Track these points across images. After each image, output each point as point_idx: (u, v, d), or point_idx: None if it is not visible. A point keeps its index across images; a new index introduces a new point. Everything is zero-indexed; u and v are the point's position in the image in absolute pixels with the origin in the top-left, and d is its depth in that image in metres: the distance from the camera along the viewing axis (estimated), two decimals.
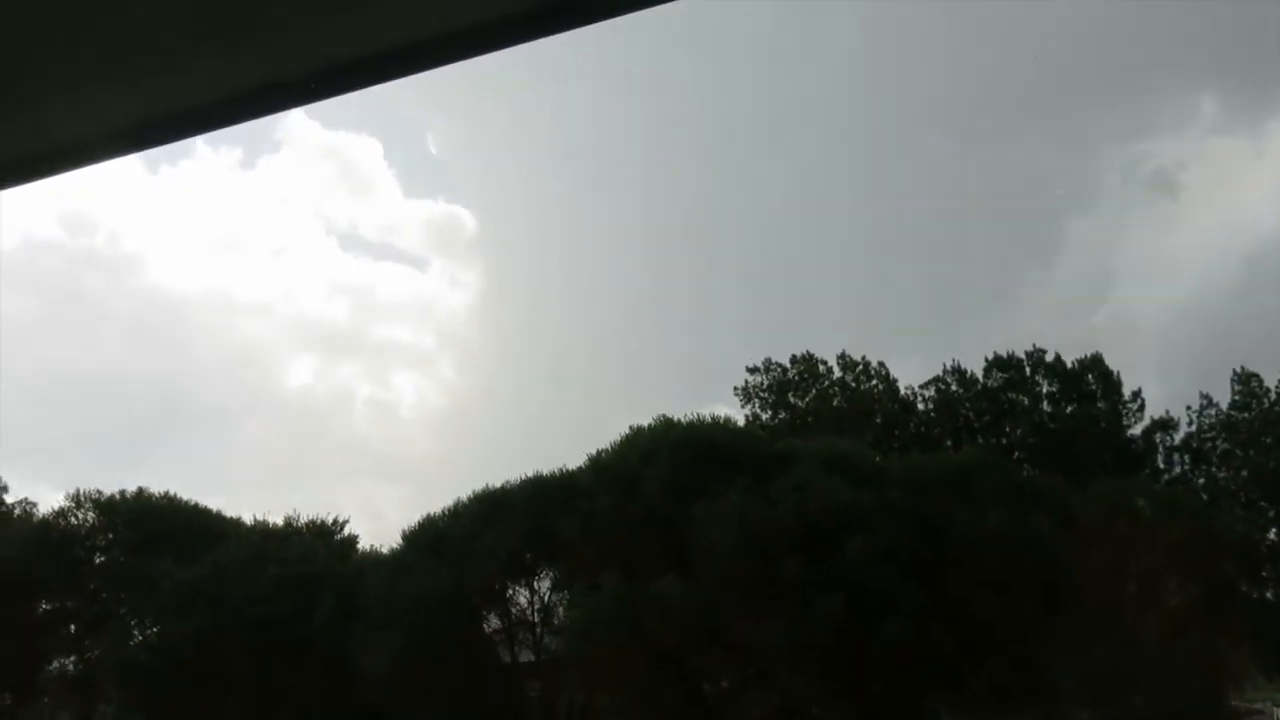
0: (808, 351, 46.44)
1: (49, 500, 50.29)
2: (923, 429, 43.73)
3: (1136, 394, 42.64)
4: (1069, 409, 42.64)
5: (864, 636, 25.38)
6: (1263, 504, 37.80)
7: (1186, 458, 41.47)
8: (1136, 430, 42.41)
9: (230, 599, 34.23)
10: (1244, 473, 39.10)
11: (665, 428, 32.95)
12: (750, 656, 26.75)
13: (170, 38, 1.74)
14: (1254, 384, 40.37)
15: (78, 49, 1.76)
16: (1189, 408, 41.68)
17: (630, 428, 33.82)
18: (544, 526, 31.59)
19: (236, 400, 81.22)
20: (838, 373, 45.94)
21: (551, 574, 34.77)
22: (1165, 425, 42.13)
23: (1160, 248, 68.06)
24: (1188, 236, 67.93)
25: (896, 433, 43.54)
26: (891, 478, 28.89)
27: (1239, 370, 40.95)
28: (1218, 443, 40.87)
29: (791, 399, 46.07)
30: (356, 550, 41.90)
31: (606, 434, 45.98)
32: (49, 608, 43.16)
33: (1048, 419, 42.65)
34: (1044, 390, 43.39)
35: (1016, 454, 41.75)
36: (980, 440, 42.38)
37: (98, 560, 43.06)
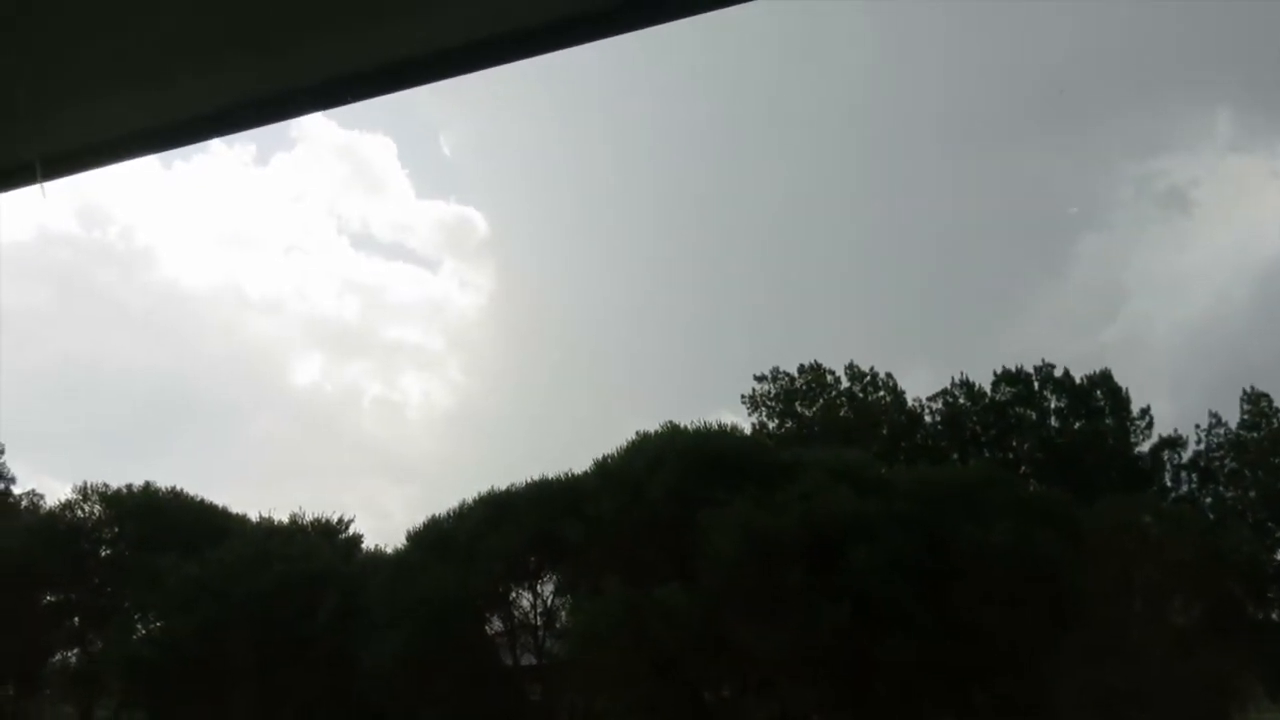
0: (815, 361, 46.47)
1: (56, 493, 50.46)
2: (929, 441, 43.67)
3: (1145, 411, 42.55)
4: (1076, 424, 42.54)
5: (867, 647, 25.33)
6: (1269, 524, 37.65)
7: (1194, 476, 41.34)
8: (1144, 447, 42.35)
9: (234, 595, 34.28)
10: (1251, 493, 38.97)
11: (672, 434, 32.94)
12: (753, 665, 26.70)
13: (195, 43, 1.78)
14: (1264, 404, 40.23)
15: (104, 52, 1.80)
16: (1198, 426, 41.62)
17: (637, 433, 33.88)
18: (549, 530, 31.58)
19: (245, 397, 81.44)
20: (845, 383, 45.93)
21: (555, 578, 34.78)
22: (1173, 443, 42.00)
23: (1172, 265, 67.86)
24: (1200, 254, 67.75)
25: (903, 444, 43.46)
26: (898, 489, 28.83)
27: (1249, 390, 40.85)
28: (1226, 462, 40.74)
29: (798, 408, 46.05)
30: (361, 549, 41.89)
31: (612, 439, 46.02)
32: (53, 600, 43.27)
33: (1055, 434, 42.55)
34: (1052, 405, 43.31)
35: (1023, 468, 41.65)
36: (987, 454, 42.32)
37: (103, 554, 43.10)
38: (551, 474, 34.93)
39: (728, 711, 29.34)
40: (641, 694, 27.90)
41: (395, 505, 75.30)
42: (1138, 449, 42.39)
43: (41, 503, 44.14)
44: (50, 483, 72.74)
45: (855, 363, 45.95)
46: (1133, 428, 42.60)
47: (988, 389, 43.68)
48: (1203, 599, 30.22)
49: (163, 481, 44.57)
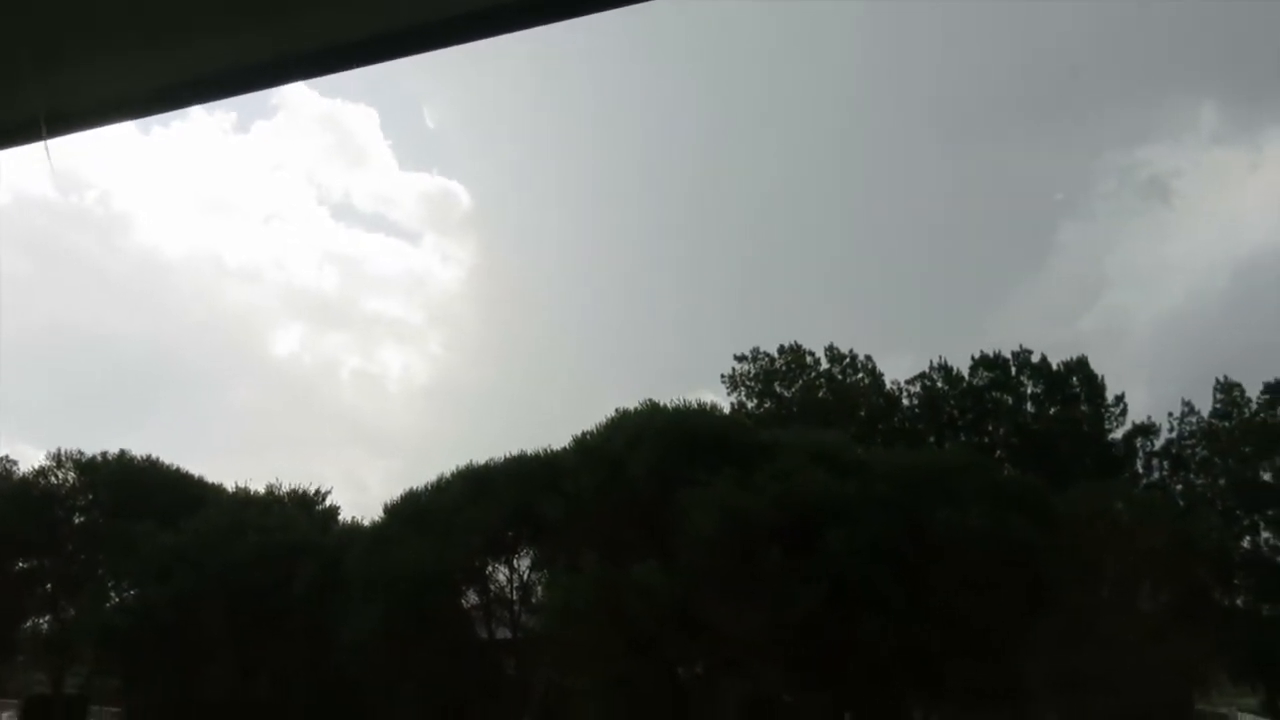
0: (795, 342, 46.58)
1: (30, 459, 50.02)
2: (907, 424, 43.93)
3: (1120, 398, 42.95)
4: (1052, 410, 42.89)
5: (841, 629, 25.57)
6: (1238, 512, 38.15)
7: (1166, 463, 41.80)
8: (1118, 434, 42.75)
9: (210, 565, 34.20)
10: (1221, 481, 39.47)
11: (651, 412, 32.98)
12: (728, 644, 26.91)
13: (183, 7, 1.77)
14: (1236, 393, 40.67)
15: (89, 15, 1.79)
16: (1170, 414, 42.06)
17: (616, 411, 33.91)
18: (527, 506, 31.65)
19: (223, 366, 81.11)
20: (825, 364, 46.07)
21: (532, 553, 34.90)
22: (1146, 430, 42.44)
23: (1152, 255, 68.46)
24: (1179, 245, 68.37)
25: (880, 427, 43.70)
26: (875, 472, 29.02)
27: (1222, 379, 41.30)
28: (1197, 450, 41.21)
29: (778, 389, 46.18)
30: (338, 521, 41.91)
31: (592, 415, 46.15)
32: (25, 566, 43.03)
33: (1031, 419, 42.89)
34: (1028, 391, 43.62)
35: (998, 452, 41.98)
36: (963, 438, 42.63)
37: (77, 521, 42.88)
38: (530, 449, 35.09)
39: (702, 690, 29.58)
40: (616, 670, 28.09)
41: (373, 478, 75.34)
42: (1111, 436, 42.81)
43: (15, 469, 43.80)
44: (25, 449, 72.35)
45: (835, 344, 46.16)
46: (1107, 415, 43.01)
47: (966, 374, 43.97)
48: (1172, 585, 30.68)
49: (138, 450, 44.37)
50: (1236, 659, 34.53)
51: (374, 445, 76.78)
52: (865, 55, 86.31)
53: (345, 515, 42.74)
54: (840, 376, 45.70)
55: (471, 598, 35.05)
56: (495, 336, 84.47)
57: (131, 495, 40.79)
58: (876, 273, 76.65)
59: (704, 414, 33.79)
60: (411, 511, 34.71)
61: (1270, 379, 39.76)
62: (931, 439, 42.31)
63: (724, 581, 26.56)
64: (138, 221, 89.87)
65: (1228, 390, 40.89)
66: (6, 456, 45.22)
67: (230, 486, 43.48)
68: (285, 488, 43.02)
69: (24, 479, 43.07)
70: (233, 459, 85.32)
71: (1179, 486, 40.87)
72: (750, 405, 45.44)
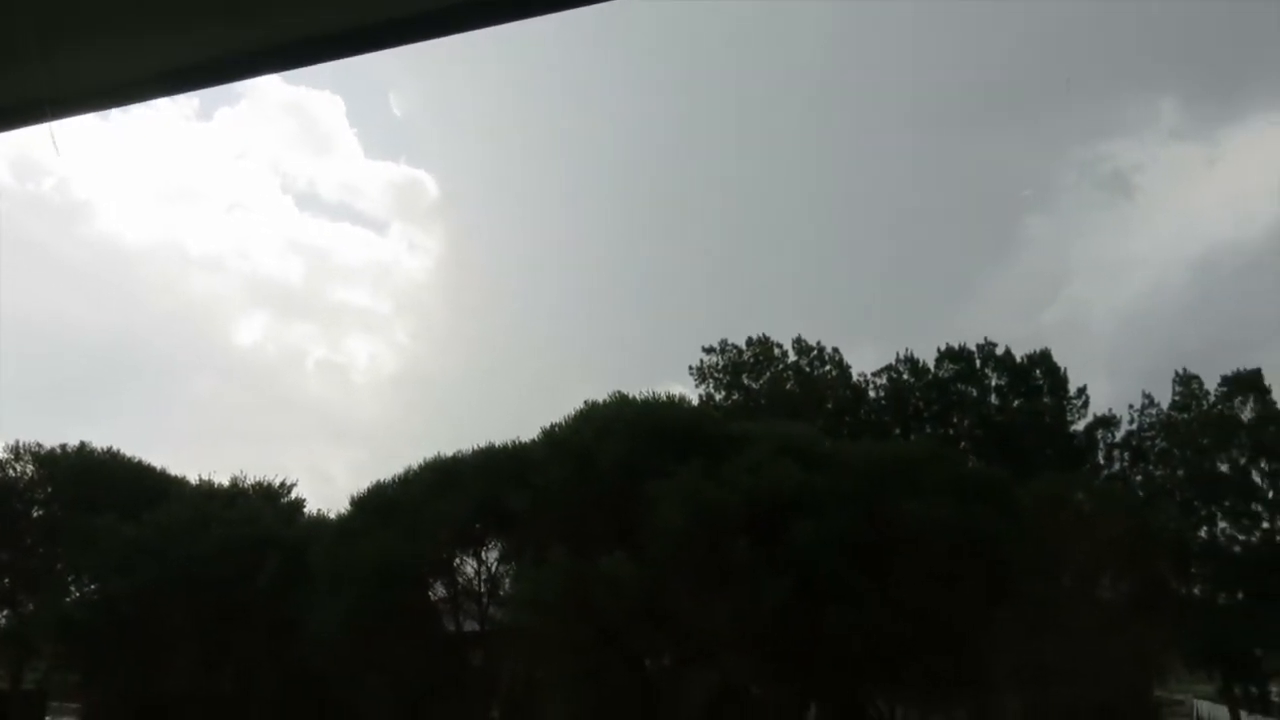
0: (763, 334, 46.81)
1: None
2: (873, 416, 44.31)
3: (1082, 390, 43.58)
4: (1016, 403, 43.44)
5: (808, 620, 25.75)
6: (1196, 503, 38.87)
7: (1126, 455, 42.50)
8: (1080, 426, 43.37)
9: (173, 558, 33.81)
10: (1180, 472, 40.16)
11: (620, 404, 32.99)
12: (696, 636, 27.02)
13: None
14: (1194, 386, 41.40)
15: (63, 5, 1.76)
16: (1131, 406, 42.76)
17: (585, 402, 33.90)
18: (495, 498, 31.56)
19: (185, 356, 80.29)
20: (792, 357, 46.33)
21: (499, 545, 34.82)
22: (1107, 423, 43.11)
23: (1113, 249, 69.57)
24: (1140, 239, 69.54)
25: (847, 418, 44.04)
26: (842, 463, 29.21)
27: (1181, 372, 42.02)
28: (1157, 442, 41.91)
29: (746, 380, 46.38)
30: (303, 514, 41.56)
31: (560, 407, 46.17)
32: None
33: (995, 411, 43.42)
34: (992, 383, 44.15)
35: (963, 444, 42.46)
36: (929, 429, 43.07)
37: (36, 514, 42.24)
38: (499, 441, 35.00)
39: (669, 681, 29.68)
40: (584, 662, 28.11)
41: (339, 470, 74.90)
42: (1073, 427, 43.44)
43: None
44: None
45: (803, 337, 46.44)
46: (1069, 407, 43.62)
47: (931, 366, 44.41)
48: (1131, 575, 31.20)
49: (99, 442, 43.76)
50: (1193, 647, 35.26)
51: (340, 437, 76.38)
52: (834, 51, 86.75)
53: (311, 508, 42.46)
54: (808, 369, 45.98)
55: (439, 590, 34.93)
56: (463, 327, 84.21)
57: (92, 488, 40.23)
58: (843, 265, 77.22)
59: (673, 406, 33.83)
60: (378, 504, 34.50)
61: (1228, 372, 40.58)
62: (898, 431, 42.76)
63: (692, 573, 26.65)
64: (98, 209, 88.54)
65: (1186, 383, 41.62)
66: None
67: (193, 479, 43.03)
68: (249, 480, 42.64)
69: None
70: (195, 451, 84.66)
71: (1139, 478, 41.58)
72: (718, 397, 45.61)
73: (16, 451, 42.10)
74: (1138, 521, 32.50)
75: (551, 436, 33.15)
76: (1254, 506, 38.06)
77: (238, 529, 35.44)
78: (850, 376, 45.69)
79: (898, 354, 45.04)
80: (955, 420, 43.87)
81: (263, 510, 38.83)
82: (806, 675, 27.37)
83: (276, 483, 43.21)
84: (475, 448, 35.00)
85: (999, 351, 44.14)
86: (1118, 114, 73.78)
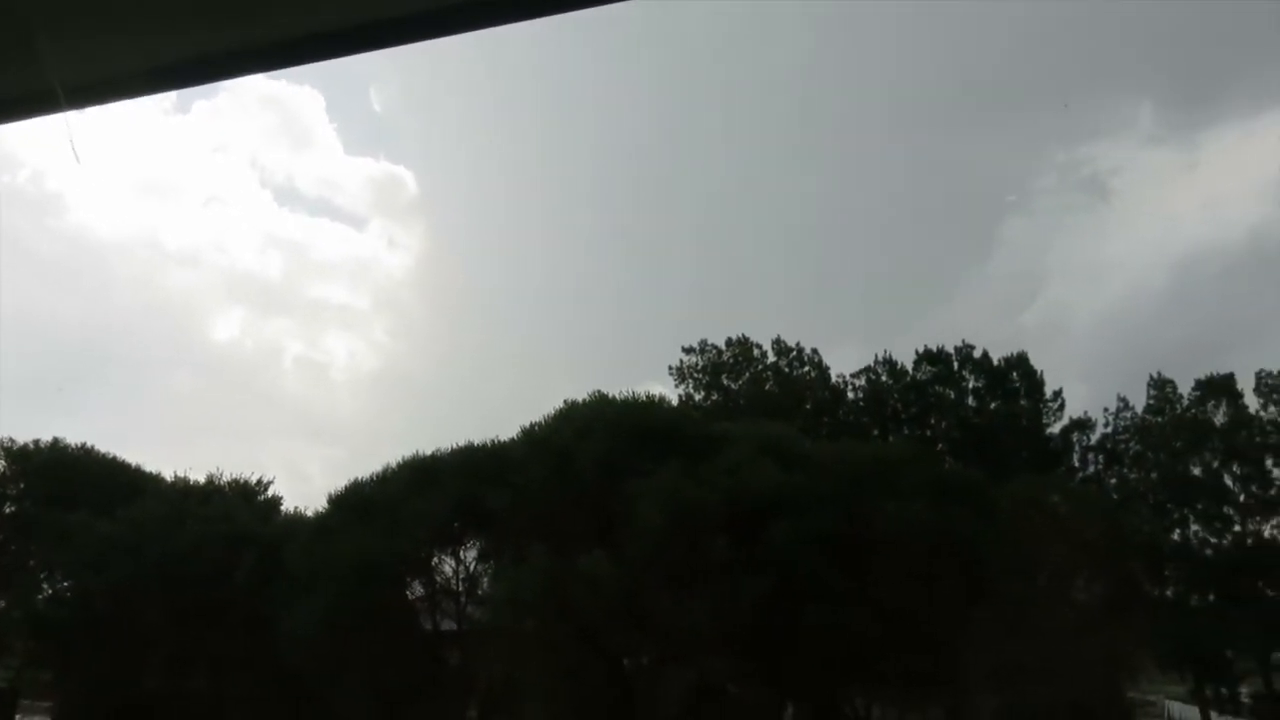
0: (743, 335, 46.94)
1: None
2: (852, 417, 44.53)
3: (1058, 393, 44.00)
4: (993, 405, 43.78)
5: (787, 620, 25.84)
6: (1169, 506, 39.30)
7: (1101, 458, 42.91)
8: (1056, 429, 43.77)
9: (147, 555, 33.52)
10: (1153, 475, 40.60)
11: (600, 404, 32.97)
12: (674, 635, 27.05)
13: None
14: (1168, 390, 41.87)
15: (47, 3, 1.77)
16: (1106, 409, 43.20)
17: (565, 401, 33.87)
18: (474, 497, 31.47)
19: (161, 351, 79.65)
20: (772, 357, 46.50)
21: (478, 544, 34.71)
22: (1082, 425, 43.54)
23: (1090, 252, 70.20)
24: (1117, 243, 70.21)
25: (826, 419, 44.25)
26: (821, 464, 29.34)
27: (1155, 375, 42.48)
28: (1131, 445, 42.36)
29: (725, 381, 46.51)
30: (280, 511, 41.28)
31: (540, 406, 46.12)
32: None
33: (972, 413, 43.73)
34: (970, 385, 44.46)
35: (940, 445, 42.75)
36: (906, 431, 43.35)
37: (7, 510, 41.76)
38: (478, 440, 34.90)
39: (648, 680, 29.71)
40: (562, 661, 28.09)
41: (316, 467, 74.45)
42: (1049, 430, 43.84)
43: None
44: None
45: (782, 338, 46.60)
46: (1045, 410, 44.02)
47: (910, 368, 44.68)
48: (1105, 576, 31.50)
49: (72, 438, 43.31)
50: (1165, 648, 35.67)
51: (317, 434, 75.96)
52: (814, 55, 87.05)
53: (288, 505, 42.16)
54: (787, 369, 46.15)
55: (417, 589, 34.78)
56: (442, 324, 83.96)
57: (65, 484, 39.81)
58: (822, 267, 77.52)
59: (653, 406, 33.84)
60: (356, 502, 34.30)
61: (1204, 375, 41.04)
62: (876, 432, 42.99)
63: (671, 573, 26.69)
64: (72, 202, 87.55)
65: (1160, 387, 42.08)
66: None
67: (169, 476, 42.67)
68: (226, 477, 42.30)
69: None
70: (171, 448, 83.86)
71: (1113, 480, 42.00)
72: (698, 397, 45.71)
73: None
74: (1112, 524, 32.85)
75: (531, 435, 33.10)
76: (1226, 509, 38.52)
77: (213, 526, 35.16)
78: (829, 378, 45.92)
79: (876, 355, 45.37)
80: (933, 422, 44.16)
81: (239, 508, 38.52)
82: (784, 675, 27.47)
83: (253, 480, 42.92)
84: (454, 446, 34.91)
85: (977, 354, 44.50)
86: (1097, 118, 74.57)
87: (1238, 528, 38.29)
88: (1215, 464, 39.30)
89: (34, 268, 77.12)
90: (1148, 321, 64.35)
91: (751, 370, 46.36)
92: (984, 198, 74.41)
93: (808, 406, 44.82)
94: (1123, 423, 42.60)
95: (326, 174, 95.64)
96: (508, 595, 29.21)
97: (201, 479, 41.75)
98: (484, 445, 34.48)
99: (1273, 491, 38.41)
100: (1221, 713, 37.57)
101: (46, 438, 42.69)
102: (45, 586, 39.52)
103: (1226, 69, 76.18)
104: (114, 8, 1.78)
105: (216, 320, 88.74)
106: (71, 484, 39.78)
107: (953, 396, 44.20)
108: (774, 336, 46.65)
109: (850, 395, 45.45)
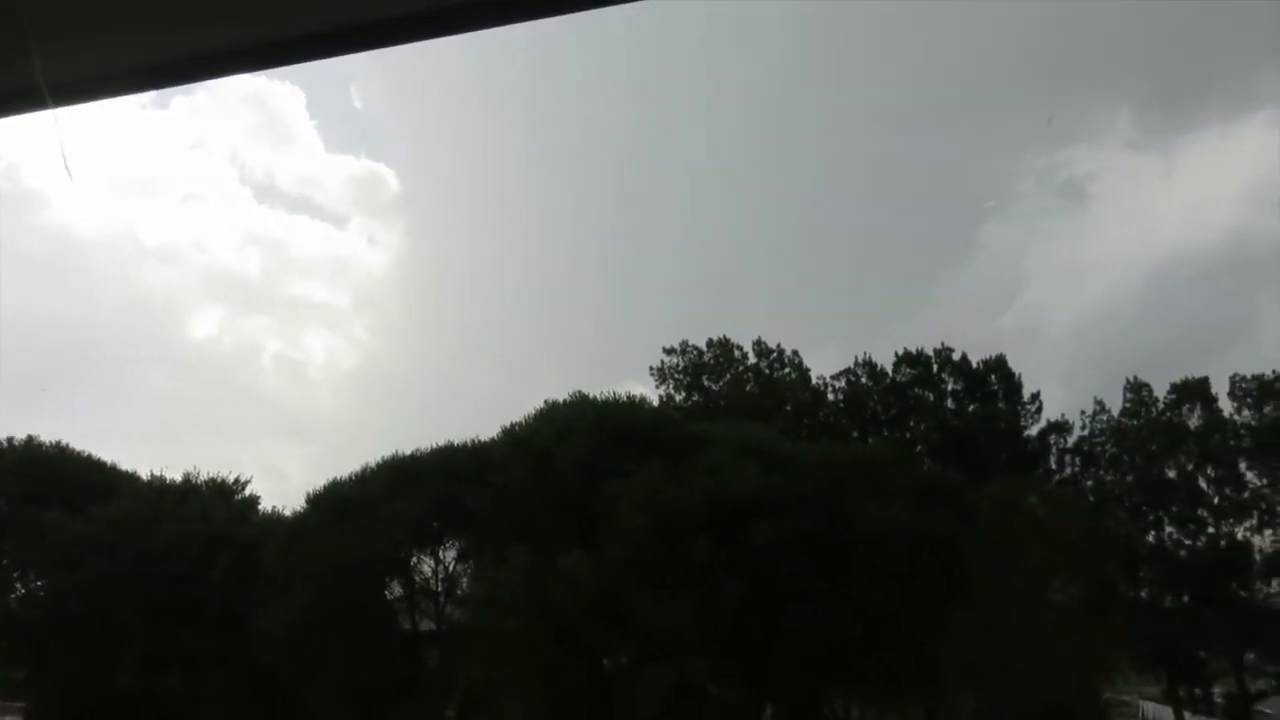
0: (724, 336, 47.00)
1: None
2: (832, 418, 44.66)
3: (1035, 396, 44.26)
4: (971, 407, 44.01)
5: (766, 620, 25.91)
6: (1144, 508, 39.64)
7: (1077, 460, 43.23)
8: (1033, 431, 44.07)
9: (123, 554, 33.20)
10: (1129, 477, 40.93)
11: (581, 404, 32.95)
12: (653, 635, 27.06)
13: None
14: (1144, 393, 42.23)
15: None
16: (1083, 412, 43.53)
17: (545, 401, 33.83)
18: (453, 496, 31.36)
19: (138, 349, 78.82)
20: (752, 359, 46.57)
21: (458, 544, 34.60)
22: (1059, 428, 43.84)
23: (1068, 256, 70.74)
24: (1095, 247, 70.79)
25: (806, 421, 44.35)
26: (800, 465, 29.43)
27: (1131, 379, 42.85)
28: (1107, 447, 42.69)
29: (706, 382, 46.55)
30: (258, 511, 40.99)
31: (520, 405, 46.01)
32: None
33: (951, 416, 43.94)
34: (949, 388, 44.67)
35: (919, 447, 42.96)
36: (886, 433, 43.54)
37: None
38: (458, 439, 34.80)
39: (627, 681, 29.71)
40: (541, 662, 28.04)
41: (294, 466, 73.99)
42: (1027, 432, 44.12)
43: None
44: None
45: (763, 339, 46.69)
46: (1023, 412, 44.28)
47: (889, 370, 44.86)
48: (1081, 578, 31.76)
49: (46, 435, 42.81)
50: (1140, 649, 35.99)
51: (296, 433, 75.48)
52: (793, 57, 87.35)
53: (265, 504, 41.85)
54: (768, 371, 46.24)
55: (395, 589, 34.63)
56: (423, 323, 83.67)
57: (39, 482, 39.32)
58: (803, 268, 77.79)
59: (634, 406, 33.87)
60: (334, 501, 34.13)
61: (1179, 378, 41.44)
62: (856, 434, 43.13)
63: (651, 573, 26.70)
64: (49, 199, 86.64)
65: (1137, 390, 42.45)
66: None
67: (145, 474, 42.25)
68: (203, 476, 41.94)
69: None
70: (147, 446, 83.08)
71: (1090, 483, 42.32)
72: (679, 398, 45.74)
73: None
74: (1088, 525, 33.10)
75: (511, 435, 33.05)
76: (1200, 512, 38.89)
77: (190, 525, 34.86)
78: (810, 379, 46.03)
79: (856, 357, 45.49)
80: (912, 424, 44.36)
81: (216, 507, 38.22)
82: (764, 675, 27.54)
83: (230, 479, 42.56)
84: (434, 446, 34.80)
85: (956, 356, 44.71)
86: (1075, 122, 75.13)
87: (1211, 530, 38.66)
88: (1190, 467, 39.67)
89: (10, 264, 76.10)
90: (1124, 325, 64.99)
91: (732, 371, 46.44)
92: (963, 201, 74.82)
93: (788, 408, 44.92)
94: (1099, 425, 42.95)
95: (307, 171, 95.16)
96: (487, 595, 29.14)
97: (178, 477, 41.42)
98: (464, 445, 34.41)
99: (1246, 494, 38.82)
100: (1195, 713, 37.95)
101: (20, 435, 42.26)
102: (18, 586, 39.07)
103: (1204, 75, 77.03)
104: (100, 5, 1.77)
105: (195, 318, 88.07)
106: (46, 482, 39.31)
107: (932, 399, 44.41)
108: (755, 338, 46.77)
109: (830, 397, 45.59)
